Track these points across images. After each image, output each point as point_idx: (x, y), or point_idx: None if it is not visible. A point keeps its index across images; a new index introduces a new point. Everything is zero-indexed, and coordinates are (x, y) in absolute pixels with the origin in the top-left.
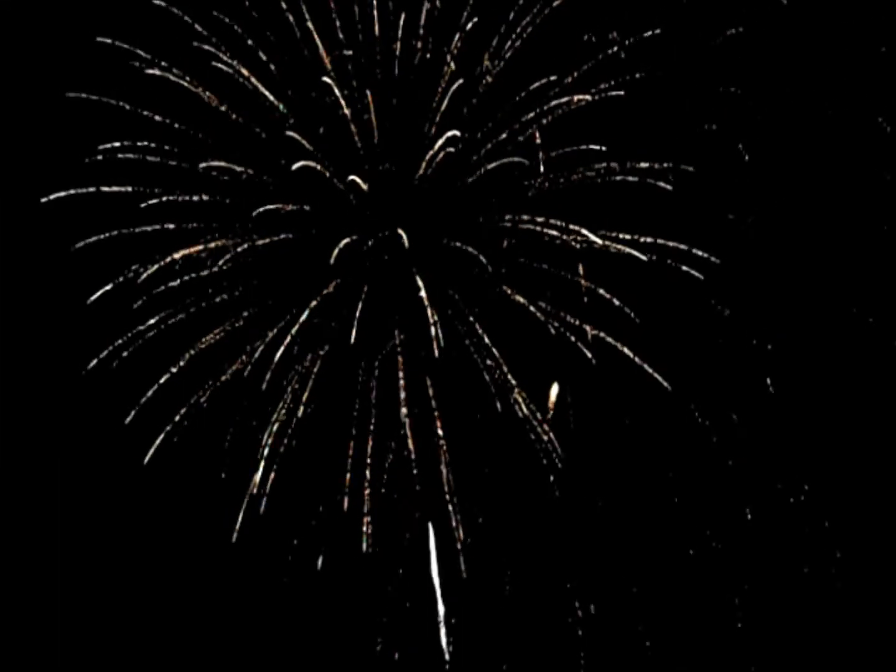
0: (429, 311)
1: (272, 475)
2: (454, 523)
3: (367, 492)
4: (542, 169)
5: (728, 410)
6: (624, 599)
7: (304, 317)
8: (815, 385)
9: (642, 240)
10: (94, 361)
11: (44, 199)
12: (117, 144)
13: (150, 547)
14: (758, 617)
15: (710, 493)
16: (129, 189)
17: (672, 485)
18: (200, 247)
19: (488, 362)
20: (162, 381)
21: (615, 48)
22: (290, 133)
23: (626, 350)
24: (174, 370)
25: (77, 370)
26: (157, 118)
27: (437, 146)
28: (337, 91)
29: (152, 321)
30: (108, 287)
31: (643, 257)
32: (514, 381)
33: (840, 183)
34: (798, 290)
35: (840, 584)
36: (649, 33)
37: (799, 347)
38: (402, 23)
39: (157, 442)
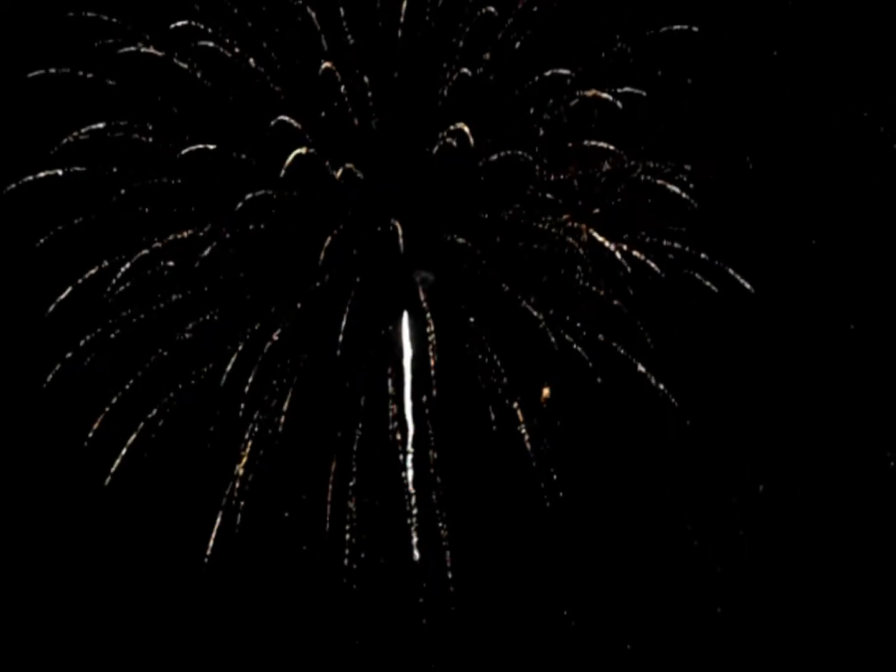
0: (428, 318)
1: (247, 489)
2: (441, 531)
3: (351, 504)
4: (544, 164)
5: (729, 428)
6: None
7: (289, 316)
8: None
9: (639, 239)
10: (53, 373)
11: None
12: (92, 127)
13: (117, 570)
14: (743, 628)
15: (701, 504)
16: (96, 175)
17: (661, 493)
18: (179, 236)
19: (485, 361)
20: (119, 395)
21: (624, 45)
22: (284, 118)
23: (620, 350)
24: (141, 373)
25: (38, 381)
26: (136, 98)
27: (438, 137)
28: (338, 77)
29: (120, 320)
30: (70, 289)
31: (655, 267)
32: (512, 390)
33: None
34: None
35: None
36: (681, 27)
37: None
38: (404, 9)
39: (119, 461)
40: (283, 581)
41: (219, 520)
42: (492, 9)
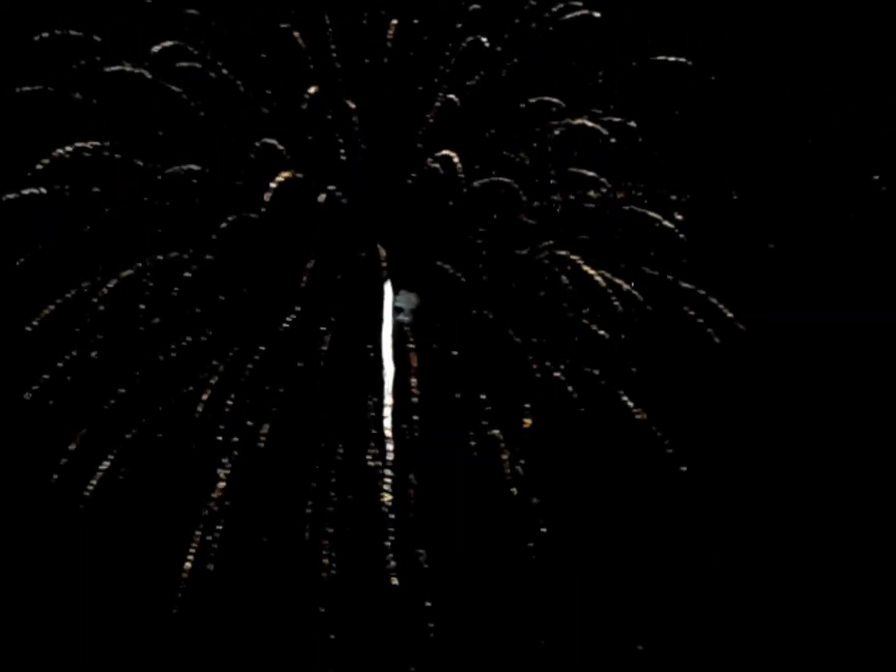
0: (410, 344)
1: (225, 511)
2: (420, 557)
3: (329, 529)
4: (530, 191)
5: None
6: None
7: (269, 340)
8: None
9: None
10: (29, 393)
11: None
12: (75, 146)
13: (90, 593)
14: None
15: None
16: (78, 195)
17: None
18: (160, 258)
19: (467, 387)
20: (97, 417)
21: (614, 75)
22: (269, 140)
23: (603, 380)
24: (119, 395)
25: (13, 401)
26: (120, 118)
27: (424, 163)
28: (324, 100)
29: (99, 341)
30: (49, 308)
31: (639, 296)
32: (494, 417)
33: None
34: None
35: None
36: (668, 58)
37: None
38: (391, 34)
39: (94, 483)
40: (260, 607)
41: (195, 543)
42: (482, 38)
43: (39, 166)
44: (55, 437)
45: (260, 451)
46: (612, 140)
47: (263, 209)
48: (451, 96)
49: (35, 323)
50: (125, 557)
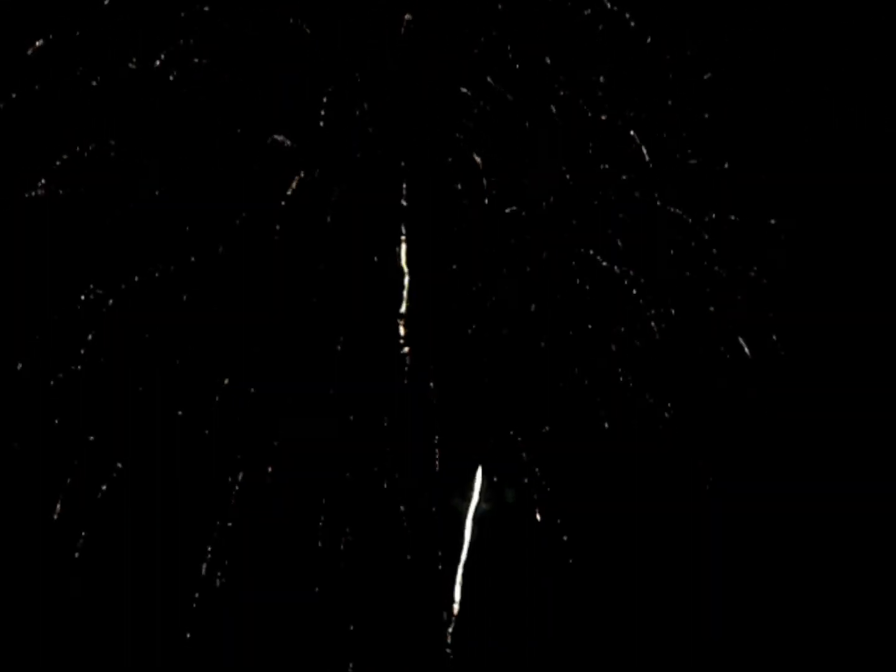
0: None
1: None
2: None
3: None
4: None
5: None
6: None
7: (280, 348)
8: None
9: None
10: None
11: None
12: (84, 150)
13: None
14: None
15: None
16: (84, 200)
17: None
18: (170, 263)
19: (488, 395)
20: (103, 432)
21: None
22: (279, 137)
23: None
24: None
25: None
26: (129, 119)
27: (443, 164)
28: (338, 98)
29: (107, 350)
30: (58, 315)
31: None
32: (513, 425)
33: None
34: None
35: None
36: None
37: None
38: (405, 30)
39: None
40: (270, 615)
41: (205, 566)
42: (484, 41)
43: (41, 178)
44: (60, 442)
45: (272, 455)
46: (634, 136)
47: (282, 207)
48: (466, 90)
49: (43, 331)
50: (130, 566)
